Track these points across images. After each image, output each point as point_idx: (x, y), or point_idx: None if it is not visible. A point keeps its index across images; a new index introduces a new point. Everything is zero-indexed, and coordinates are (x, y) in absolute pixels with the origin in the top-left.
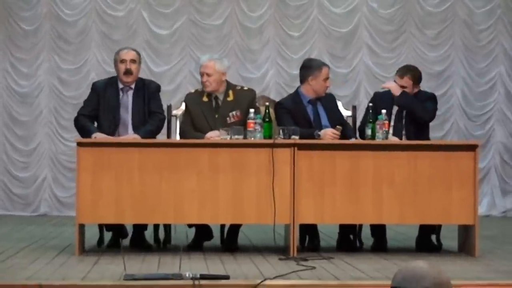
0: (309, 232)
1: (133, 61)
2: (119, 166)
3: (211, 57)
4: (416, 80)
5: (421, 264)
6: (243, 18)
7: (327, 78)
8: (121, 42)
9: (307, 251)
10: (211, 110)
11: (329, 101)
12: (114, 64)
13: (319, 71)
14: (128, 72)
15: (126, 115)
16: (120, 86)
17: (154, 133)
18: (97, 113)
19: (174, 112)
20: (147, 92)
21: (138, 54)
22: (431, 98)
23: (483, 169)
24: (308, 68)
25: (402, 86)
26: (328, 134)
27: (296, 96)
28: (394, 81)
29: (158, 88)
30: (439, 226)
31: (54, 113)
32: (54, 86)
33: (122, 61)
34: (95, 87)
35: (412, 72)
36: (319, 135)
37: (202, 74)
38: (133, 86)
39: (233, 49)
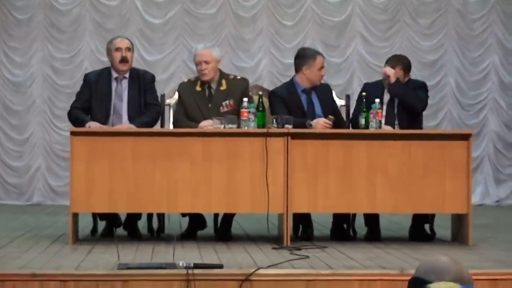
0: (302, 221)
1: (128, 49)
2: (113, 155)
3: (206, 45)
4: (407, 69)
5: (443, 258)
6: (236, 7)
7: (321, 67)
8: (114, 31)
9: (300, 241)
10: (204, 100)
11: (324, 90)
12: (107, 53)
13: (313, 61)
14: (124, 60)
15: (120, 104)
16: (114, 75)
17: (149, 125)
18: (90, 104)
19: (167, 101)
20: (143, 83)
21: (131, 42)
22: (422, 87)
23: (477, 158)
24: (302, 57)
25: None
26: (320, 123)
27: (290, 85)
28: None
29: (153, 78)
30: (433, 215)
31: (47, 102)
32: (47, 75)
33: (118, 49)
34: (87, 78)
35: (402, 62)
36: (310, 125)
37: (199, 63)
38: (127, 75)
39: (227, 38)
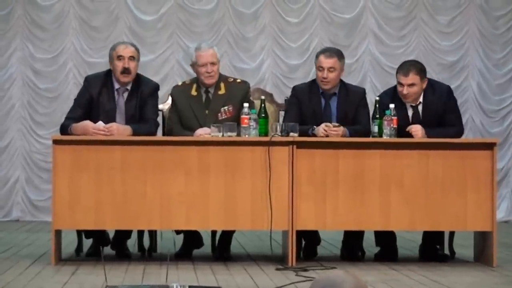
0: (307, 236)
1: (132, 58)
2: (99, 166)
3: (211, 44)
4: (422, 73)
5: (337, 272)
6: (236, 2)
7: (321, 68)
8: (101, 29)
9: (305, 260)
10: (201, 105)
11: (351, 96)
12: (109, 60)
13: (316, 60)
14: (126, 71)
15: (121, 118)
16: (116, 86)
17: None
18: (88, 117)
19: (160, 106)
20: (142, 94)
21: (137, 50)
22: (451, 102)
23: (502, 170)
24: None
25: (409, 85)
26: (322, 127)
27: (313, 85)
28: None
29: (155, 89)
30: (451, 233)
31: (27, 107)
32: (27, 77)
33: (120, 57)
34: (89, 84)
35: (415, 67)
36: (314, 129)
37: (204, 65)
38: (129, 87)
39: (225, 37)
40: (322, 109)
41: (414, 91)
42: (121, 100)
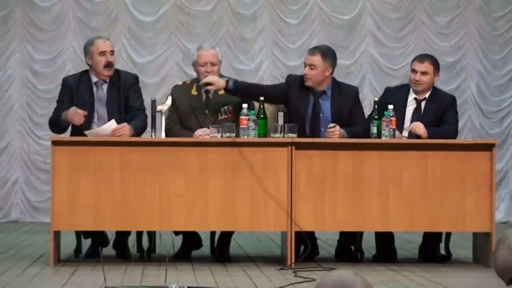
0: (304, 240)
1: (112, 52)
2: (98, 167)
3: (212, 45)
4: (436, 66)
5: (344, 272)
6: (235, 3)
7: (304, 63)
8: (100, 30)
9: (304, 261)
10: (201, 105)
11: (344, 95)
12: (86, 54)
13: None
14: (110, 65)
15: (104, 110)
16: (94, 80)
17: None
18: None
19: (159, 107)
20: (123, 85)
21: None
22: (453, 106)
23: (501, 171)
24: None
25: (422, 73)
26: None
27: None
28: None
29: (136, 79)
30: (448, 234)
31: (26, 108)
32: (26, 78)
33: (102, 53)
34: (66, 83)
35: (431, 57)
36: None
37: (204, 64)
38: (107, 79)
39: (224, 38)
40: (311, 106)
41: (426, 79)
42: (100, 92)
